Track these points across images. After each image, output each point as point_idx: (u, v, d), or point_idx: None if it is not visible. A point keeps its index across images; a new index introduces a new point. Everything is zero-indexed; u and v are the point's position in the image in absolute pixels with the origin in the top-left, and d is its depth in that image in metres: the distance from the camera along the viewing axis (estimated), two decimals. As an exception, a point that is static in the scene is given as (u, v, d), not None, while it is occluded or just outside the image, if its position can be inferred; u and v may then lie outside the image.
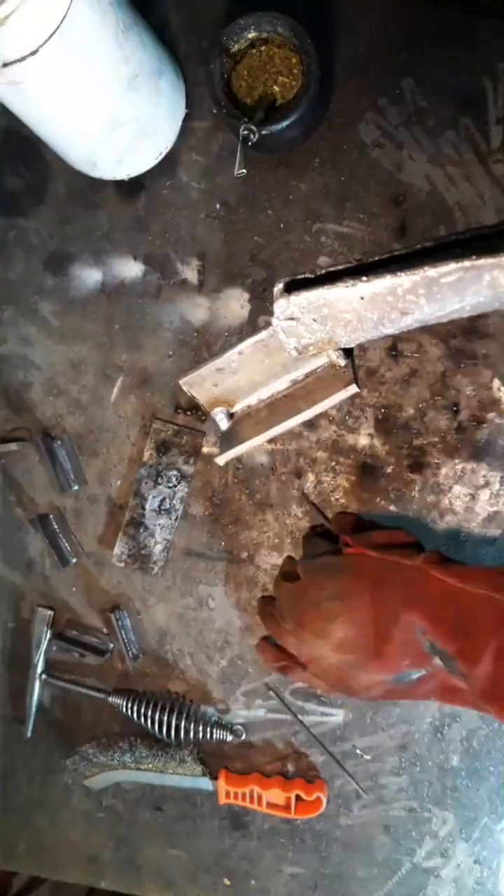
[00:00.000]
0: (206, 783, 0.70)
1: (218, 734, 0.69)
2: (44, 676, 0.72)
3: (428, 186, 0.62)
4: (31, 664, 0.72)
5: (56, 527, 0.70)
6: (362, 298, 0.40)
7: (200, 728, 0.69)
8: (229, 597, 0.68)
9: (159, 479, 0.68)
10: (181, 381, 0.52)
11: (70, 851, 0.76)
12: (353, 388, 0.52)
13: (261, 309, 0.66)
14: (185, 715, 0.69)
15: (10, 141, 0.70)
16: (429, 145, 0.62)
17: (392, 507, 0.64)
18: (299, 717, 0.68)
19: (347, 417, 0.64)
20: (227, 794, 0.69)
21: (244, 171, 0.57)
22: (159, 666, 0.71)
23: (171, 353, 0.68)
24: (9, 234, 0.70)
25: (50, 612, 0.71)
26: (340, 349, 0.50)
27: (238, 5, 0.63)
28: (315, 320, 0.43)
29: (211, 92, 0.60)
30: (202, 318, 0.67)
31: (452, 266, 0.36)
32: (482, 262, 0.36)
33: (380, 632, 0.54)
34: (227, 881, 0.72)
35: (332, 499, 0.66)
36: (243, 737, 0.70)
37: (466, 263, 0.36)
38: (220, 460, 0.57)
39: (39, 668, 0.72)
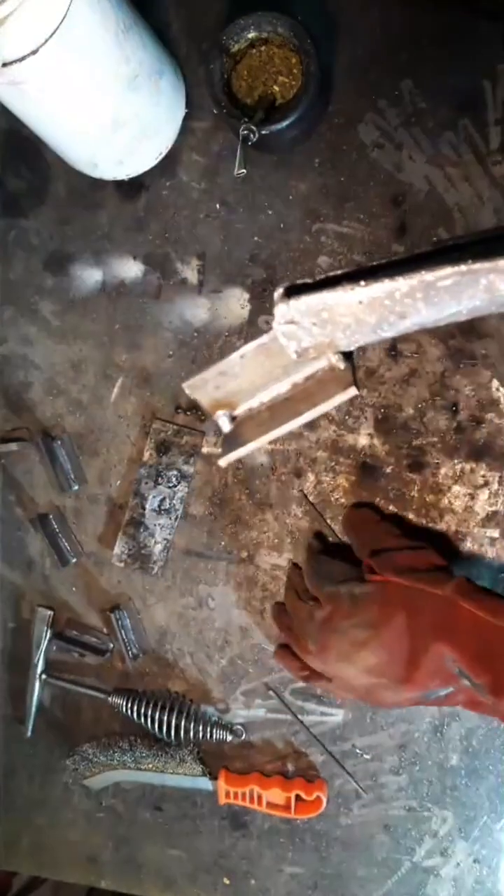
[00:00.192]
0: (205, 783, 0.70)
1: (218, 734, 0.69)
2: (44, 676, 0.72)
3: (427, 187, 0.62)
4: (31, 664, 0.72)
5: (56, 526, 0.70)
6: (361, 303, 0.40)
7: (200, 728, 0.69)
8: (229, 596, 0.69)
9: (159, 478, 0.68)
10: (184, 385, 0.53)
11: (70, 851, 0.76)
12: (352, 391, 0.53)
13: (261, 309, 0.66)
14: (185, 714, 0.69)
15: (11, 141, 0.70)
16: (428, 146, 0.62)
17: (392, 507, 0.64)
18: (299, 716, 0.68)
19: (347, 417, 0.65)
20: (227, 794, 0.69)
21: (244, 171, 0.58)
22: (159, 665, 0.71)
23: (171, 352, 0.68)
24: (9, 235, 0.70)
25: (50, 612, 0.72)
26: (340, 352, 0.51)
27: (238, 6, 0.63)
28: (315, 324, 0.44)
29: (211, 92, 0.60)
30: (202, 318, 0.67)
31: (449, 270, 0.37)
32: (478, 266, 0.36)
33: (409, 659, 0.54)
34: (226, 881, 0.72)
35: (332, 499, 0.66)
36: (243, 736, 0.70)
37: (463, 268, 0.36)
38: (223, 462, 0.57)
39: (39, 668, 0.72)
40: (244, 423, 0.58)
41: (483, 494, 0.63)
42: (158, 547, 0.69)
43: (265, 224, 0.65)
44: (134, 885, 0.75)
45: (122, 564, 0.70)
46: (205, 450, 0.68)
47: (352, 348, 0.47)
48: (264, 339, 0.49)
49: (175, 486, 0.68)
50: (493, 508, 0.63)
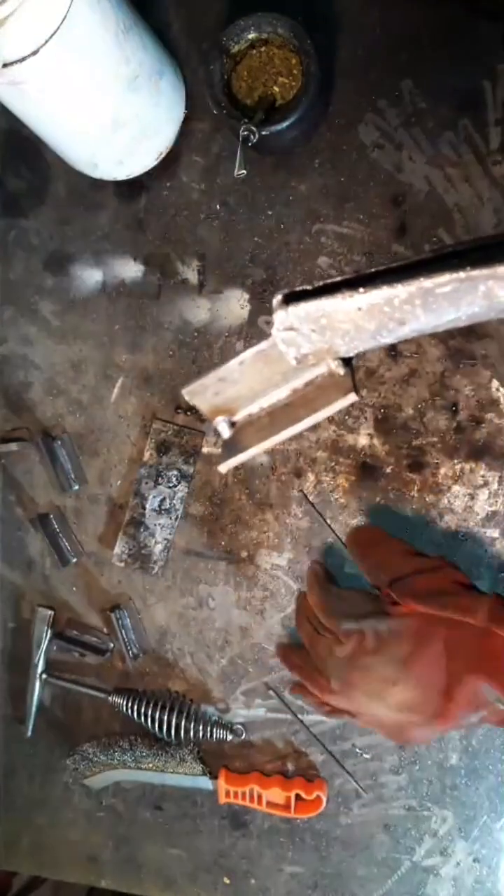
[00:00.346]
0: (206, 782, 0.70)
1: (218, 733, 0.69)
2: (44, 676, 0.72)
3: (427, 187, 0.62)
4: (32, 664, 0.72)
5: (56, 526, 0.70)
6: (359, 309, 0.41)
7: (200, 727, 0.69)
8: (229, 596, 0.69)
9: (159, 478, 0.68)
10: (183, 391, 0.53)
11: (70, 851, 0.76)
12: (352, 397, 0.53)
13: (261, 309, 0.66)
14: (185, 714, 0.69)
15: (11, 141, 0.70)
16: (428, 146, 0.62)
17: (391, 507, 0.65)
18: (299, 716, 0.68)
19: (347, 417, 0.65)
20: (227, 794, 0.69)
21: (244, 171, 0.58)
22: (159, 665, 0.71)
23: (171, 353, 0.68)
24: (9, 234, 0.70)
25: (50, 612, 0.72)
26: (339, 358, 0.51)
27: (238, 6, 0.63)
28: (314, 331, 0.44)
29: (211, 93, 0.60)
30: (202, 319, 0.67)
31: (447, 277, 0.37)
32: (477, 272, 0.36)
33: (443, 693, 0.51)
34: (226, 880, 0.72)
35: (332, 499, 0.66)
36: (243, 736, 0.70)
37: (461, 274, 0.37)
38: (223, 468, 0.57)
39: (40, 668, 0.72)
40: (244, 428, 0.58)
41: (483, 494, 0.63)
42: (159, 547, 0.69)
43: (265, 225, 0.66)
44: (134, 885, 0.75)
45: (122, 564, 0.70)
46: (205, 450, 0.68)
47: (351, 354, 0.47)
48: (263, 345, 0.49)
49: (175, 486, 0.68)
50: (493, 508, 0.63)
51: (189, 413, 0.68)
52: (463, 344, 0.62)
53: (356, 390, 0.53)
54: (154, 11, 0.65)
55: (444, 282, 0.37)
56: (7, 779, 0.76)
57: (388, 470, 0.64)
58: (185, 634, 0.70)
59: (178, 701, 0.70)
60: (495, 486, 0.63)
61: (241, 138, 0.58)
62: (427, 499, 0.64)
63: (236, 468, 0.67)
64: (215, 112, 0.60)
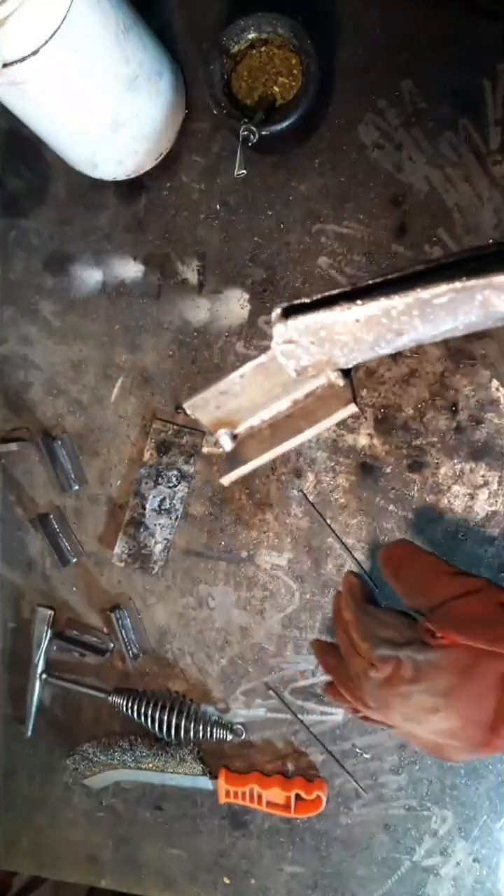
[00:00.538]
0: (206, 782, 0.70)
1: (218, 733, 0.69)
2: (44, 676, 0.72)
3: (427, 187, 0.62)
4: (32, 664, 0.72)
5: (56, 526, 0.70)
6: (358, 321, 0.41)
7: (200, 727, 0.69)
8: (229, 596, 0.69)
9: (159, 478, 0.68)
10: (185, 405, 0.54)
11: (70, 850, 0.76)
12: (352, 408, 0.54)
13: (261, 309, 0.66)
14: (185, 714, 0.69)
15: (11, 141, 0.70)
16: (428, 146, 0.62)
17: (391, 507, 0.65)
18: (299, 716, 0.68)
19: (347, 417, 0.65)
20: (227, 794, 0.69)
21: (244, 171, 0.58)
22: (159, 665, 0.71)
23: (171, 353, 0.68)
24: (9, 235, 0.70)
25: (50, 612, 0.72)
26: (339, 369, 0.51)
27: (238, 6, 0.63)
28: (313, 343, 0.44)
29: (211, 93, 0.60)
30: (202, 319, 0.67)
31: (444, 287, 0.37)
32: (472, 282, 0.37)
33: (489, 726, 0.48)
34: (226, 880, 0.72)
35: (332, 498, 0.66)
36: (243, 736, 0.70)
37: (458, 284, 0.37)
38: (226, 481, 0.58)
39: (40, 668, 0.72)
40: (246, 441, 0.58)
41: (483, 494, 0.63)
42: (159, 547, 0.69)
43: (265, 224, 0.66)
44: (134, 885, 0.75)
45: (122, 564, 0.70)
46: (205, 450, 0.68)
47: (350, 365, 0.47)
48: (263, 358, 0.50)
49: (175, 485, 0.68)
50: (493, 508, 0.63)
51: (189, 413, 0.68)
52: (463, 344, 0.62)
53: (356, 401, 0.53)
54: (154, 11, 0.65)
55: (440, 292, 0.37)
56: (7, 779, 0.76)
57: (388, 470, 0.64)
58: (185, 634, 0.70)
59: (178, 701, 0.70)
60: (495, 486, 0.63)
61: (241, 138, 0.58)
62: (427, 499, 0.64)
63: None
64: (215, 112, 0.60)
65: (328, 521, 0.66)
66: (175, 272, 0.68)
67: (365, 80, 0.63)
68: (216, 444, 0.67)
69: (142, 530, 0.69)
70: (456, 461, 0.63)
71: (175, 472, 0.68)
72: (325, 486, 0.66)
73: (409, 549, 0.58)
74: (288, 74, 0.61)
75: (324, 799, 0.68)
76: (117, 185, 0.68)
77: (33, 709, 0.72)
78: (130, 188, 0.68)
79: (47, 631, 0.71)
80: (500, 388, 0.62)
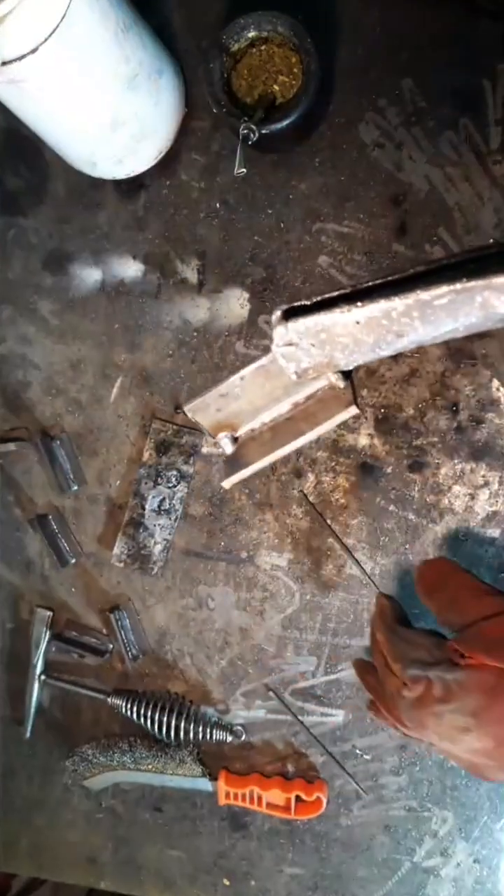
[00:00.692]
0: (205, 784, 0.70)
1: (218, 735, 0.69)
2: (43, 677, 0.71)
3: (427, 186, 0.62)
4: (31, 665, 0.72)
5: (55, 527, 0.70)
6: (358, 323, 0.41)
7: (200, 729, 0.68)
8: (229, 597, 0.68)
9: (159, 479, 0.68)
10: (185, 408, 0.54)
11: (70, 852, 0.76)
12: (353, 410, 0.54)
13: (260, 308, 0.66)
14: (184, 715, 0.68)
15: (10, 140, 0.69)
16: (428, 145, 0.62)
17: (392, 508, 0.64)
18: (299, 717, 0.68)
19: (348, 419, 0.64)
20: (227, 795, 0.69)
21: (244, 170, 0.57)
22: (159, 666, 0.71)
23: (170, 352, 0.68)
24: (8, 233, 0.70)
25: (49, 613, 0.71)
26: (339, 371, 0.51)
27: (238, 4, 0.63)
28: (313, 345, 0.44)
29: (211, 91, 0.60)
30: (202, 318, 0.67)
31: (444, 289, 0.37)
32: (472, 284, 0.37)
33: None
34: (226, 882, 0.72)
35: (332, 499, 0.65)
36: (243, 737, 0.70)
37: (457, 286, 0.37)
38: (227, 484, 0.58)
39: (39, 669, 0.71)
40: (246, 444, 0.58)
41: (483, 494, 0.63)
42: (158, 547, 0.69)
43: (265, 223, 0.65)
44: (134, 886, 0.75)
45: (121, 565, 0.70)
46: (204, 450, 0.68)
47: (351, 367, 0.47)
48: (264, 360, 0.49)
49: (175, 486, 0.68)
50: (494, 508, 0.63)
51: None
52: (463, 343, 0.62)
53: (356, 403, 0.53)
54: (154, 10, 0.65)
55: (440, 293, 0.37)
56: (6, 780, 0.76)
57: (389, 470, 0.64)
58: (184, 635, 0.70)
59: (178, 702, 0.70)
60: (496, 486, 0.63)
61: (240, 137, 0.58)
62: (427, 499, 0.64)
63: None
64: (215, 111, 0.60)
65: (328, 521, 0.66)
66: (175, 271, 0.67)
67: (365, 79, 0.63)
68: (216, 444, 0.67)
69: (141, 531, 0.69)
70: (456, 461, 0.63)
71: (174, 473, 0.68)
72: (325, 486, 0.66)
73: (443, 566, 0.57)
74: (288, 73, 0.61)
75: (324, 800, 0.68)
76: (116, 183, 0.67)
77: (32, 710, 0.72)
78: (130, 187, 0.67)
79: (46, 632, 0.71)
80: (501, 388, 0.62)
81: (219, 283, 0.66)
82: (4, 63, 0.49)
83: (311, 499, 0.66)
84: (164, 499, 0.68)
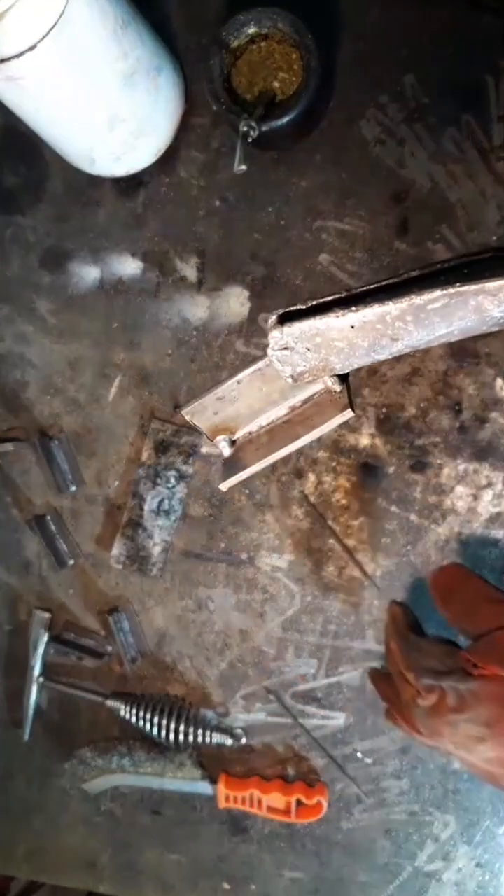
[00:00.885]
0: (205, 787, 0.69)
1: (217, 738, 0.68)
2: (41, 679, 0.71)
3: (429, 183, 0.61)
4: (29, 667, 0.71)
5: (53, 528, 0.70)
6: (353, 327, 0.41)
7: (200, 731, 0.68)
8: (229, 599, 0.68)
9: (158, 479, 0.67)
10: (183, 412, 0.54)
11: (68, 855, 0.75)
12: (348, 413, 0.54)
13: (261, 307, 0.65)
14: (184, 718, 0.68)
15: (8, 138, 0.69)
16: (430, 142, 0.61)
17: (393, 508, 0.64)
18: (300, 720, 0.68)
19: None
20: (227, 798, 0.69)
21: (244, 167, 0.57)
22: (158, 669, 0.70)
23: (169, 351, 0.67)
24: (6, 232, 0.70)
25: (47, 615, 0.71)
26: (335, 375, 0.51)
27: (238, 1, 0.63)
28: (308, 349, 0.44)
29: (210, 88, 0.60)
30: (201, 317, 0.66)
31: (438, 293, 0.38)
32: (466, 288, 0.37)
33: None
34: (226, 885, 0.72)
35: (333, 499, 0.65)
36: (243, 740, 0.69)
37: (451, 290, 0.38)
38: (224, 486, 0.58)
39: (37, 671, 0.71)
40: (244, 446, 0.58)
41: (486, 495, 0.62)
42: (157, 548, 0.68)
43: (265, 221, 0.65)
44: (133, 890, 0.74)
45: (120, 566, 0.69)
46: (204, 450, 0.67)
47: (346, 371, 0.47)
48: (260, 364, 0.50)
49: (174, 486, 0.67)
50: (497, 509, 0.62)
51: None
52: (466, 342, 0.61)
53: (352, 406, 0.53)
54: (153, 6, 0.64)
55: (434, 298, 0.38)
56: (4, 783, 0.75)
57: (391, 470, 0.64)
58: (183, 637, 0.69)
59: (177, 705, 0.69)
60: (499, 486, 0.62)
61: (240, 134, 0.57)
62: (430, 500, 0.63)
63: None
64: (215, 107, 0.60)
65: (329, 522, 0.65)
66: (174, 269, 0.67)
67: (366, 75, 0.62)
68: (215, 444, 0.66)
69: (140, 532, 0.68)
70: (459, 461, 0.62)
71: (174, 473, 0.67)
72: (326, 486, 0.65)
73: (457, 573, 0.57)
74: (288, 69, 0.61)
75: (325, 804, 0.67)
76: (115, 181, 0.67)
77: (30, 713, 0.72)
78: (129, 184, 0.67)
79: (44, 634, 0.71)
80: (504, 388, 0.61)
81: (218, 281, 0.66)
82: (2, 60, 0.49)
83: (311, 499, 0.65)
84: (163, 499, 0.68)
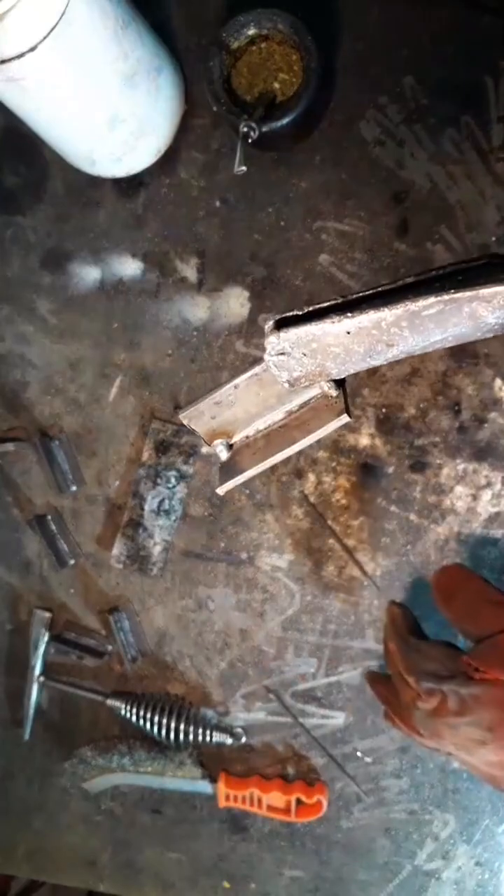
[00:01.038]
0: (205, 786, 0.69)
1: (217, 737, 0.68)
2: (42, 678, 0.71)
3: (429, 184, 0.62)
4: (29, 666, 0.71)
5: (54, 528, 0.70)
6: (349, 333, 0.42)
7: (200, 731, 0.68)
8: (229, 598, 0.68)
9: (158, 479, 0.68)
10: (180, 416, 0.54)
11: (68, 854, 0.75)
12: (344, 418, 0.54)
13: (261, 307, 0.65)
14: (184, 717, 0.68)
15: (9, 138, 0.69)
16: (430, 143, 0.61)
17: (393, 508, 0.64)
18: (300, 719, 0.68)
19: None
20: (227, 797, 0.69)
21: (244, 168, 0.57)
22: (158, 668, 0.70)
23: (170, 352, 0.67)
24: (6, 232, 0.70)
25: (48, 614, 0.71)
26: (332, 380, 0.52)
27: (238, 2, 0.63)
28: (305, 354, 0.46)
29: (210, 89, 0.60)
30: (201, 317, 0.67)
31: (433, 300, 0.39)
32: (460, 294, 0.38)
33: None
34: (226, 884, 0.72)
35: (333, 499, 0.65)
36: (243, 739, 0.69)
37: (445, 297, 0.38)
38: (221, 491, 0.58)
39: (37, 671, 0.71)
40: (241, 451, 0.59)
41: (486, 495, 0.62)
42: (157, 548, 0.68)
43: (265, 222, 0.65)
44: (133, 889, 0.74)
45: (120, 566, 0.69)
46: (204, 450, 0.67)
47: (342, 376, 0.48)
48: (257, 369, 0.51)
49: (174, 486, 0.67)
50: (496, 509, 0.62)
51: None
52: (465, 343, 0.62)
53: (349, 411, 0.54)
54: (153, 7, 0.65)
55: (429, 304, 0.39)
56: (5, 782, 0.75)
57: (390, 470, 0.64)
58: (184, 637, 0.69)
59: (178, 704, 0.69)
60: (498, 486, 0.62)
61: (240, 135, 0.57)
62: (429, 500, 0.63)
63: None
64: (215, 108, 0.60)
65: (329, 522, 0.65)
66: (174, 270, 0.67)
67: (366, 77, 0.62)
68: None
69: (140, 531, 0.68)
70: (459, 461, 0.63)
71: (174, 473, 0.67)
72: (326, 486, 0.65)
73: (458, 573, 0.56)
74: (288, 70, 0.61)
75: (324, 803, 0.67)
76: (116, 181, 0.67)
77: (31, 712, 0.72)
78: (129, 185, 0.67)
79: (45, 633, 0.71)
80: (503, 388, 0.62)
81: (218, 281, 0.66)
82: (3, 61, 0.49)
83: (311, 499, 0.65)
84: (163, 499, 0.68)
